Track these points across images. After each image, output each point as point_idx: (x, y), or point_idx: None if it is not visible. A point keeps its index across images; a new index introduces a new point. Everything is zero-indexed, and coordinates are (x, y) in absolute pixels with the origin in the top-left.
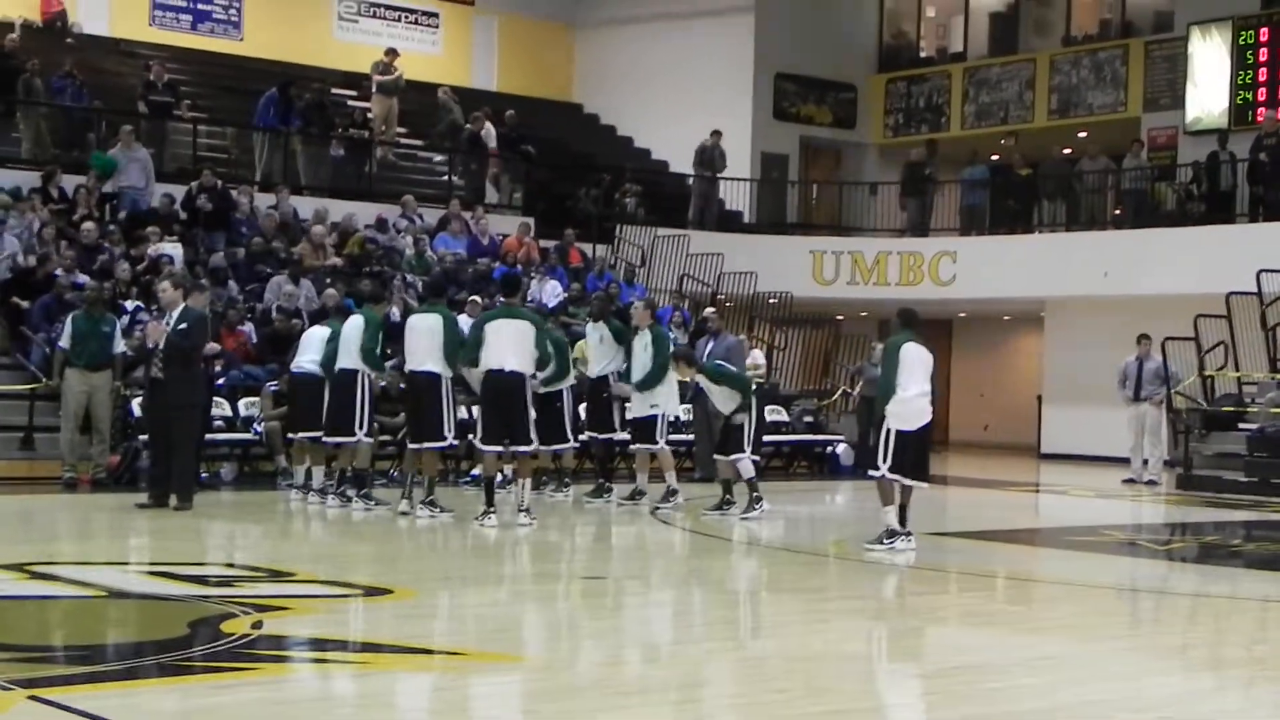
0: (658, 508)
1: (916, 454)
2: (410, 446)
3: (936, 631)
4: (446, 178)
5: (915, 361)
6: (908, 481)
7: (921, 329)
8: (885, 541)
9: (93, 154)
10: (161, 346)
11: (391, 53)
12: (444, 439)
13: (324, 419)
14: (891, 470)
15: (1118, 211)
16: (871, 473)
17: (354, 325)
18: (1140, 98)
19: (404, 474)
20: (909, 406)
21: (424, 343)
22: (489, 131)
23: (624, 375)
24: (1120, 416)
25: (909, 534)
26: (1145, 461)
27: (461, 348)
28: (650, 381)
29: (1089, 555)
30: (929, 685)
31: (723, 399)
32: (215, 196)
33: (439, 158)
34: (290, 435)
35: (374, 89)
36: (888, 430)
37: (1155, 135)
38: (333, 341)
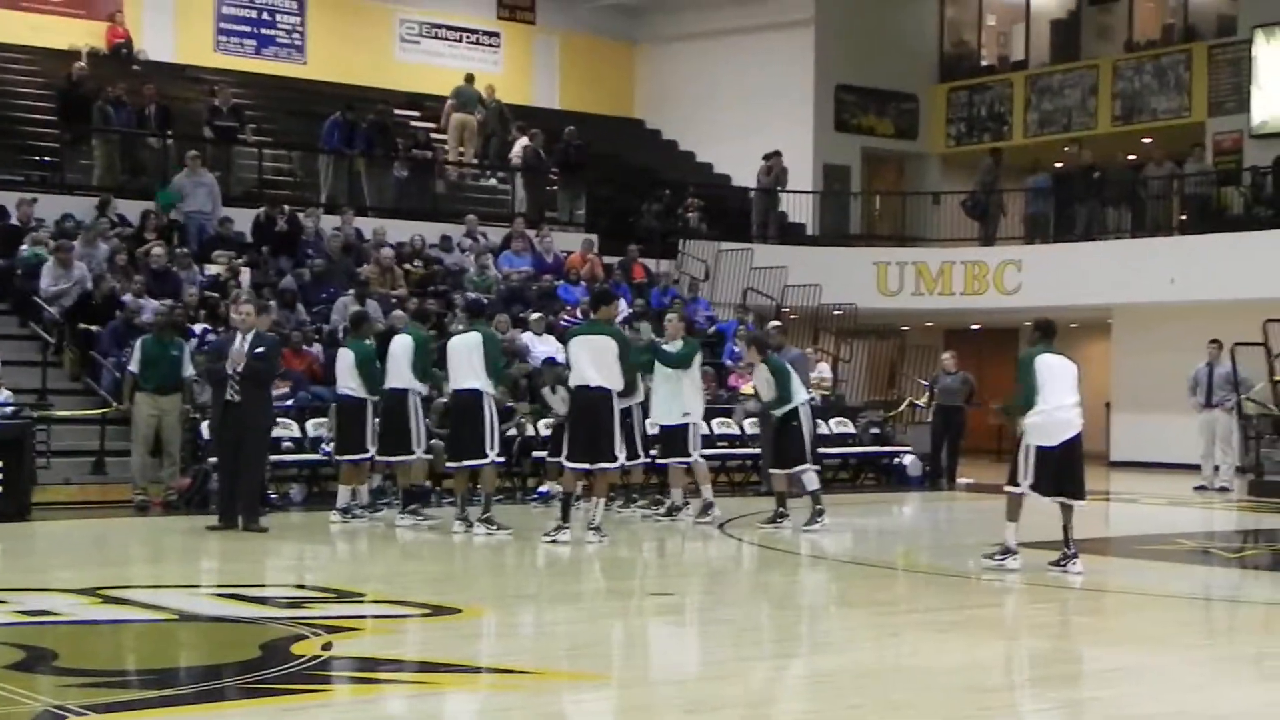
0: (697, 523)
1: (1063, 468)
2: (450, 465)
3: (1008, 644)
4: (509, 196)
5: (1054, 372)
6: (1056, 500)
7: (1055, 339)
8: (998, 558)
9: (158, 191)
10: (241, 370)
11: (470, 78)
12: (486, 456)
13: (377, 439)
14: (1034, 488)
15: (1183, 217)
16: (1010, 489)
17: (402, 345)
18: (1205, 102)
19: (457, 493)
20: (1051, 419)
21: (465, 361)
22: (523, 145)
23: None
24: (1190, 423)
25: (1075, 556)
26: (1216, 468)
27: (502, 365)
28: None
29: (1162, 564)
30: (1001, 699)
31: (765, 388)
32: (287, 220)
33: (488, 178)
34: (339, 458)
35: (464, 110)
36: (1026, 446)
37: (1220, 139)
38: (365, 363)
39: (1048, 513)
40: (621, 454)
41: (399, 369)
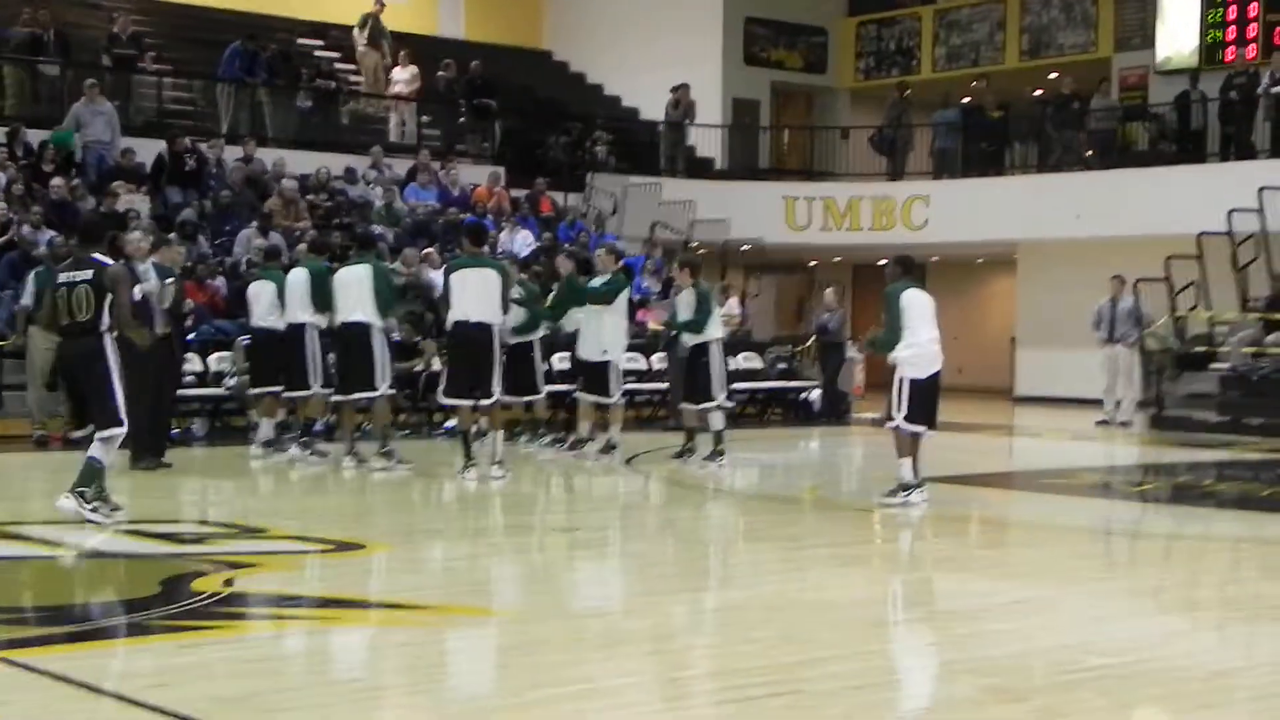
0: (599, 456)
1: (931, 400)
2: (337, 398)
3: (911, 578)
4: (415, 128)
5: (920, 307)
6: (924, 430)
7: (919, 275)
8: (900, 495)
9: (54, 134)
10: (168, 304)
11: (379, 4)
12: (375, 389)
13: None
14: (908, 420)
15: (1089, 153)
16: (888, 424)
17: (298, 278)
18: (1111, 38)
19: (345, 428)
20: (922, 352)
21: (353, 293)
22: (410, 73)
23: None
24: (1094, 358)
25: (921, 485)
26: (1119, 403)
27: (393, 297)
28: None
29: (1063, 498)
30: (904, 632)
31: (684, 310)
32: (195, 159)
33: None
34: (254, 390)
35: (364, 43)
36: (900, 379)
37: (1126, 75)
38: (281, 294)
39: (945, 447)
40: (498, 389)
41: (295, 303)
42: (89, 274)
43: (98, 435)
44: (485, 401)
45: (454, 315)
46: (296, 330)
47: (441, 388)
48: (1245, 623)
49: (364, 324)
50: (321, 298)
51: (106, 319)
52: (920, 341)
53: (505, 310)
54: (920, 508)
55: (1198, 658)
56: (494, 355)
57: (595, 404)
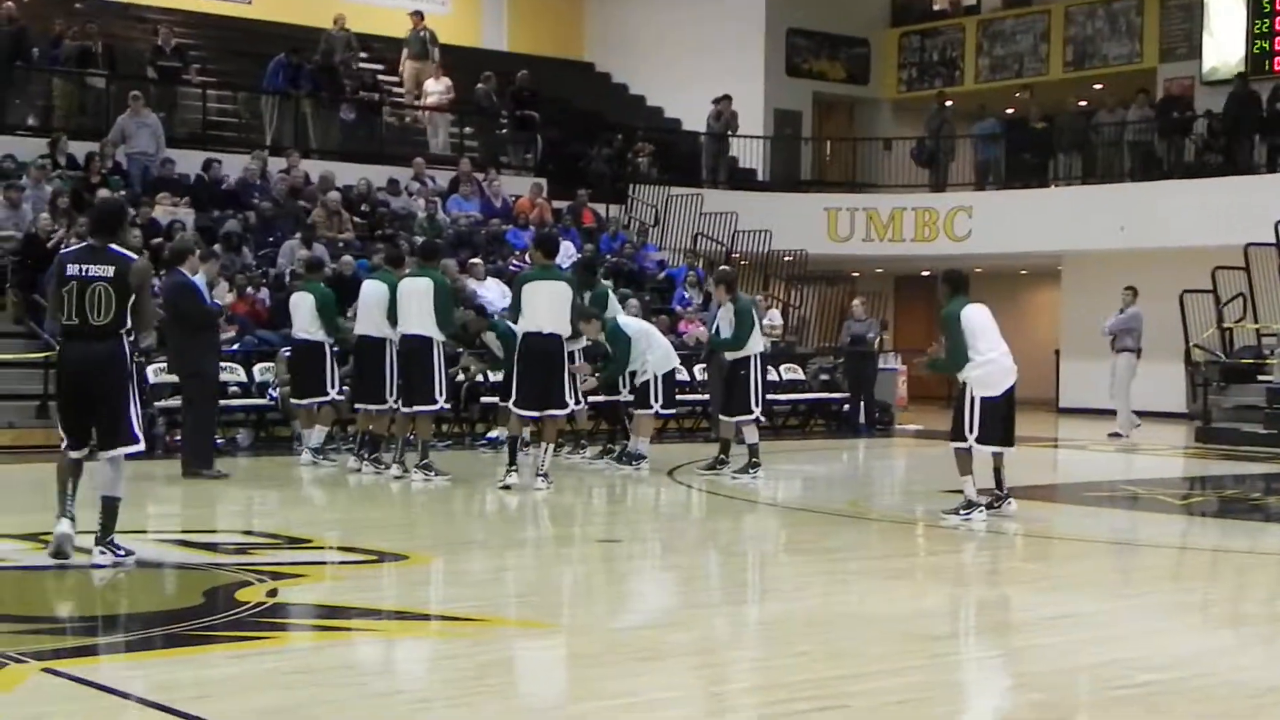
0: (620, 468)
1: (1005, 417)
2: (402, 410)
3: (955, 591)
4: (447, 139)
5: (982, 323)
6: (999, 449)
7: (969, 289)
8: (963, 513)
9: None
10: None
11: (417, 15)
12: (435, 402)
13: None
14: (980, 441)
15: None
16: (958, 445)
17: (375, 291)
18: (1156, 48)
19: (396, 438)
20: (993, 370)
21: (415, 306)
22: (444, 85)
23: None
24: (1143, 369)
25: (1008, 497)
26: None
27: (451, 312)
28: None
29: (1108, 511)
30: (948, 646)
31: (725, 327)
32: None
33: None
34: (295, 401)
35: (409, 56)
36: (972, 399)
37: (1171, 86)
38: (326, 306)
39: (989, 460)
40: (572, 400)
41: (371, 316)
42: (109, 270)
43: (107, 457)
44: (556, 412)
45: (525, 326)
46: (377, 344)
47: (513, 399)
48: None
49: (426, 338)
50: (392, 311)
51: (128, 321)
52: (991, 359)
53: (575, 324)
54: (983, 525)
55: (1247, 673)
56: (564, 366)
57: (646, 418)
